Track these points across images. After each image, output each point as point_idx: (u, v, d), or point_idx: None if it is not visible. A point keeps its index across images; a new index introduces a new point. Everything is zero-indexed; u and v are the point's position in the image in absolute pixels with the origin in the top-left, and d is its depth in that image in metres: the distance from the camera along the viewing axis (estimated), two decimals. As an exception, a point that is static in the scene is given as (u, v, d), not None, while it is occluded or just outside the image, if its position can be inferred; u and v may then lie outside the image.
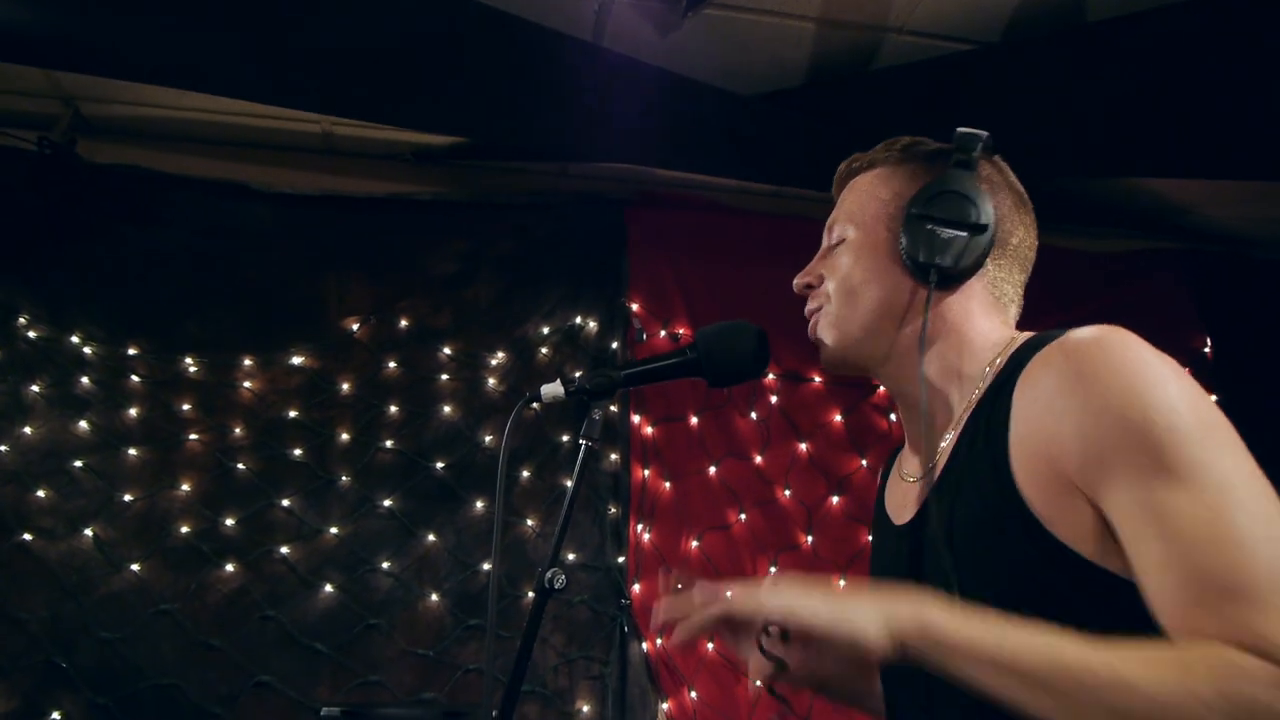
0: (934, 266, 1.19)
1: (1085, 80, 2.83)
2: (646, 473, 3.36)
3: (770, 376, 3.58)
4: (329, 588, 3.05)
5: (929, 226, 1.20)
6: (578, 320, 3.44)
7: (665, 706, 3.15)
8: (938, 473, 1.19)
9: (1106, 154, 3.21)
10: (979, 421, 1.13)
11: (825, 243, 1.36)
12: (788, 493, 3.50)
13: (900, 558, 1.26)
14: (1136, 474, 0.94)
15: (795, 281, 1.36)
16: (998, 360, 1.17)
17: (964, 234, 1.19)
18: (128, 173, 3.23)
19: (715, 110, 3.06)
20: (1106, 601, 0.97)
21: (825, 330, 1.30)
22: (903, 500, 1.30)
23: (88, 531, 2.95)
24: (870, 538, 1.50)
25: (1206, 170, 3.31)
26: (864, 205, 1.31)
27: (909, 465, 1.32)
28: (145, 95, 3.09)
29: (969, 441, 1.14)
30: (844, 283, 1.28)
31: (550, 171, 3.58)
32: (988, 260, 1.22)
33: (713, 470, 3.44)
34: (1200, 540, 0.89)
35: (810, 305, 1.34)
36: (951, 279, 1.21)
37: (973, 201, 1.20)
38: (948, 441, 1.20)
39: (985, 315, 1.24)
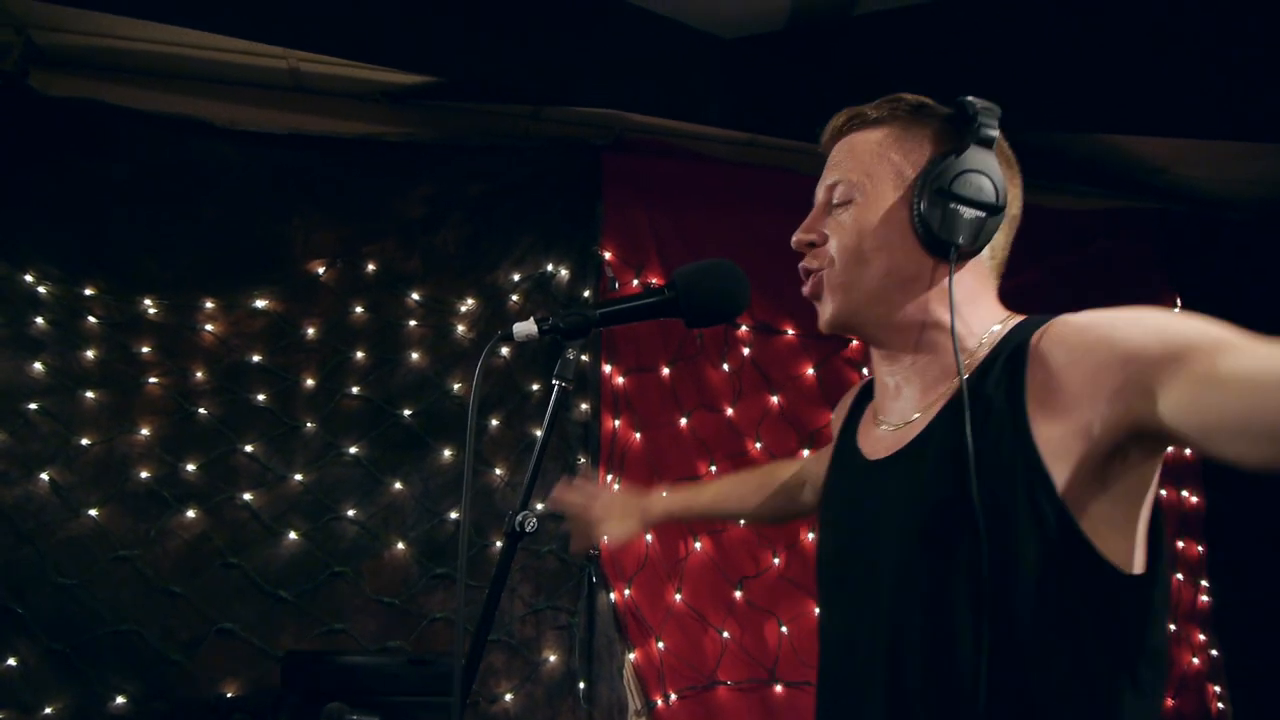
0: (955, 246, 1.21)
1: (1068, 30, 2.79)
2: (617, 423, 3.33)
3: (743, 328, 3.55)
4: (293, 535, 3.01)
5: (952, 205, 1.21)
6: (549, 267, 3.38)
7: (632, 656, 3.15)
8: (924, 426, 1.24)
9: (1085, 108, 3.18)
10: (982, 390, 1.17)
11: (824, 198, 1.32)
12: (759, 445, 3.48)
13: (874, 487, 1.29)
14: (1189, 365, 0.98)
15: (796, 238, 1.33)
16: (991, 334, 1.23)
17: (983, 214, 1.22)
18: (84, 106, 3.09)
19: (695, 52, 2.99)
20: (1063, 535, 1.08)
21: (830, 293, 1.29)
22: (877, 442, 1.33)
23: (44, 476, 2.87)
24: (830, 468, 1.49)
25: (1180, 129, 3.29)
26: (874, 167, 1.27)
27: (887, 414, 1.33)
28: (102, 25, 2.95)
29: (972, 407, 1.16)
30: (852, 247, 1.26)
31: (523, 114, 3.49)
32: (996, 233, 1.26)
33: (684, 421, 3.41)
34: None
35: (809, 263, 1.31)
36: (965, 256, 1.24)
37: (995, 183, 1.22)
38: (936, 402, 1.25)
39: (984, 288, 1.29)
